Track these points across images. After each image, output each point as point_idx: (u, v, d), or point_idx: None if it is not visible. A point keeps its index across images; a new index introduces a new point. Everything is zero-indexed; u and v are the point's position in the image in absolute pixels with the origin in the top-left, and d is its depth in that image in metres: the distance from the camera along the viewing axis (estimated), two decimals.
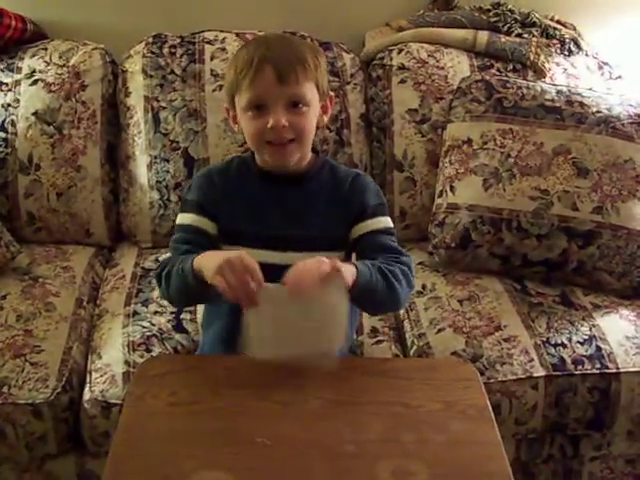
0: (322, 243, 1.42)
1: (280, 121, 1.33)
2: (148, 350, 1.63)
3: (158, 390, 1.22)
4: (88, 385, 1.59)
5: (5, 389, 1.54)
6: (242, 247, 1.41)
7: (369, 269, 1.30)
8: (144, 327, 1.70)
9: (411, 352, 1.72)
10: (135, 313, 1.75)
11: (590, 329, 1.72)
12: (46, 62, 2.01)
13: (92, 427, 1.56)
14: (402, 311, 1.81)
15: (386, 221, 1.45)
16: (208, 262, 1.26)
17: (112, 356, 1.63)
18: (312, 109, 1.38)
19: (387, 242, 1.42)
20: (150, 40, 2.07)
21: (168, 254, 1.50)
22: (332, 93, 1.47)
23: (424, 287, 1.87)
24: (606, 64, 2.15)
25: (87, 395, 1.57)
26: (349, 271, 1.25)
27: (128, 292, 1.83)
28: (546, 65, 2.09)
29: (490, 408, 1.20)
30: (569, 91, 1.96)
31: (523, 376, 1.62)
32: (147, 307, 1.77)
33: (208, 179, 1.47)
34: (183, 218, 1.46)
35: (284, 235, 1.42)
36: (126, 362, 1.60)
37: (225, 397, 1.21)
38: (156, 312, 1.74)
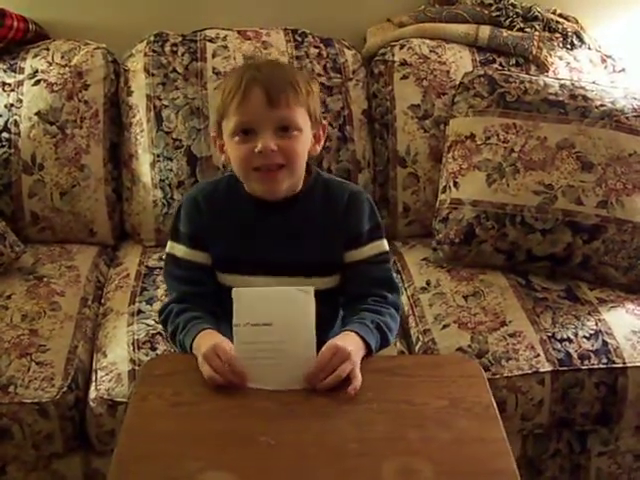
0: (317, 268, 1.41)
1: (269, 145, 1.28)
2: (153, 348, 1.63)
3: (162, 390, 1.22)
4: (94, 384, 1.59)
5: (11, 388, 1.54)
6: (235, 274, 1.41)
7: (372, 334, 1.32)
8: (149, 325, 1.70)
9: (416, 348, 1.72)
10: (140, 311, 1.75)
11: (596, 324, 1.71)
12: (48, 62, 2.01)
13: (98, 425, 1.56)
14: (407, 307, 1.81)
15: (380, 245, 1.43)
16: (199, 350, 1.27)
17: (117, 354, 1.63)
18: (303, 135, 1.33)
19: (379, 274, 1.42)
20: (152, 39, 2.07)
21: (165, 256, 1.49)
22: (325, 122, 1.43)
23: (428, 283, 1.86)
24: (609, 57, 2.14)
25: (93, 394, 1.57)
26: (359, 354, 1.28)
27: (133, 291, 1.84)
28: (549, 59, 2.08)
29: (495, 405, 1.20)
30: (572, 85, 1.96)
31: (529, 371, 1.61)
32: (152, 305, 1.77)
33: (195, 207, 1.42)
34: (175, 249, 1.43)
35: (277, 260, 1.39)
36: (131, 360, 1.61)
37: (229, 397, 1.21)
38: None
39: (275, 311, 1.24)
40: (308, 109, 1.33)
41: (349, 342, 1.27)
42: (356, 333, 1.30)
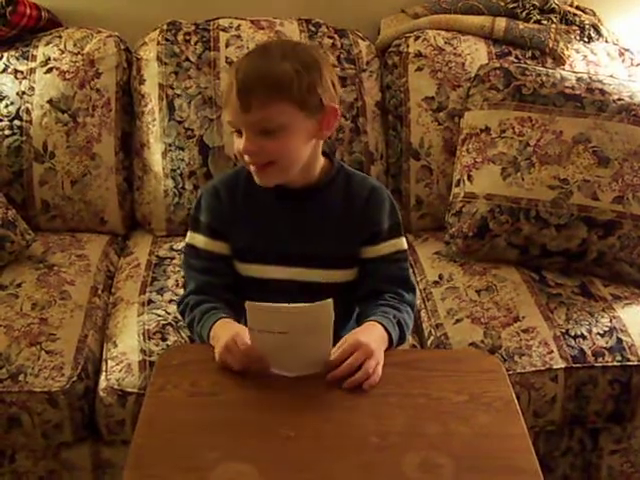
0: (334, 261, 1.40)
1: (247, 148, 1.28)
2: (163, 339, 1.63)
3: (179, 380, 1.21)
4: (104, 373, 1.59)
5: (21, 377, 1.54)
6: (253, 264, 1.41)
7: (394, 328, 1.31)
8: (159, 315, 1.69)
9: (428, 342, 1.71)
10: (150, 301, 1.74)
11: (610, 321, 1.70)
12: (61, 50, 2.00)
13: (108, 415, 1.56)
14: (419, 301, 1.80)
15: (398, 243, 1.42)
16: (218, 340, 1.26)
17: (128, 344, 1.63)
18: (290, 131, 1.27)
19: (395, 272, 1.41)
20: (165, 27, 2.05)
21: (184, 247, 1.49)
22: (337, 106, 1.34)
23: (441, 277, 1.85)
24: (627, 50, 2.12)
25: (103, 383, 1.57)
26: (382, 348, 1.27)
27: (143, 280, 1.83)
28: (565, 52, 2.06)
29: (516, 401, 1.19)
30: (589, 78, 1.94)
31: (542, 368, 1.60)
32: (162, 295, 1.76)
33: (215, 197, 1.41)
34: (195, 239, 1.43)
35: (295, 252, 1.38)
36: (142, 350, 1.60)
37: (246, 387, 1.20)
38: (171, 300, 1.73)
39: (291, 324, 1.19)
40: (296, 101, 1.27)
41: (373, 335, 1.26)
42: (382, 325, 1.29)
